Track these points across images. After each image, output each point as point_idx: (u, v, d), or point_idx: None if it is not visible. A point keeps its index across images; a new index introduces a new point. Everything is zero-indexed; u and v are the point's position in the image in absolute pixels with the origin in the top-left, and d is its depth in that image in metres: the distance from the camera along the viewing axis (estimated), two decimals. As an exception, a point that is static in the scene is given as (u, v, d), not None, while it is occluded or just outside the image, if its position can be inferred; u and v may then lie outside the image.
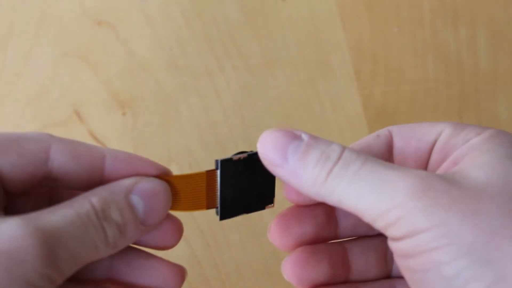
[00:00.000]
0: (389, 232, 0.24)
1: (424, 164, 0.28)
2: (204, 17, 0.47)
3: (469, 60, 0.47)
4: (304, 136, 0.27)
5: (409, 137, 0.28)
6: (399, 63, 0.47)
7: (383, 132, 0.29)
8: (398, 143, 0.29)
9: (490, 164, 0.24)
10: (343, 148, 0.26)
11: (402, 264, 0.25)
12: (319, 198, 0.26)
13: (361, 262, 0.30)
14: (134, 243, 0.28)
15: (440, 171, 0.26)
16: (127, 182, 0.26)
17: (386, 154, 0.29)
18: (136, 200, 0.26)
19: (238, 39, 0.47)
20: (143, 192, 0.26)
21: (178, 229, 0.28)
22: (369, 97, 0.47)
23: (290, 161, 0.26)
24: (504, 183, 0.23)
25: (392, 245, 0.25)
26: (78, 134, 0.45)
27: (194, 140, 0.46)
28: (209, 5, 0.47)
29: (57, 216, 0.24)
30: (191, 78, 0.47)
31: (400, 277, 0.30)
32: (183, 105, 0.46)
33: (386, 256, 0.30)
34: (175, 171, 0.30)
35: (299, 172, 0.26)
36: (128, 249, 0.28)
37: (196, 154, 0.45)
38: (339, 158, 0.25)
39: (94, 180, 0.27)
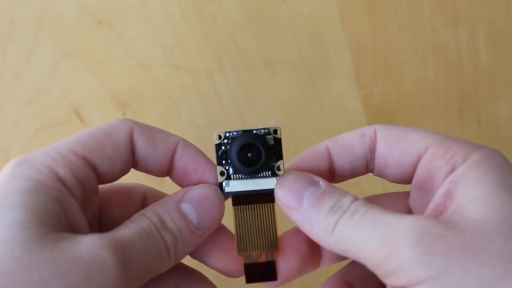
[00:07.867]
0: (389, 281, 0.24)
1: (405, 177, 0.28)
2: (204, 17, 0.47)
3: (469, 60, 0.47)
4: (322, 183, 0.27)
5: (393, 145, 0.28)
6: (399, 63, 0.47)
7: (368, 131, 0.29)
8: (381, 148, 0.28)
9: (485, 198, 0.24)
10: (355, 198, 0.26)
11: None
12: (328, 247, 0.26)
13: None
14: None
15: (433, 204, 0.26)
16: (177, 194, 0.28)
17: (368, 156, 0.29)
18: (187, 207, 0.28)
19: (238, 39, 0.47)
20: (192, 199, 0.28)
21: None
22: (369, 97, 0.47)
23: (305, 206, 0.26)
24: (503, 221, 0.23)
25: None
26: (78, 134, 0.45)
27: (194, 140, 0.46)
28: (209, 5, 0.47)
29: (127, 230, 0.25)
30: (191, 78, 0.47)
31: None
32: (183, 105, 0.46)
33: None
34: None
35: (312, 218, 0.26)
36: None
37: (196, 154, 0.45)
38: (348, 207, 0.26)
39: (166, 160, 0.29)
